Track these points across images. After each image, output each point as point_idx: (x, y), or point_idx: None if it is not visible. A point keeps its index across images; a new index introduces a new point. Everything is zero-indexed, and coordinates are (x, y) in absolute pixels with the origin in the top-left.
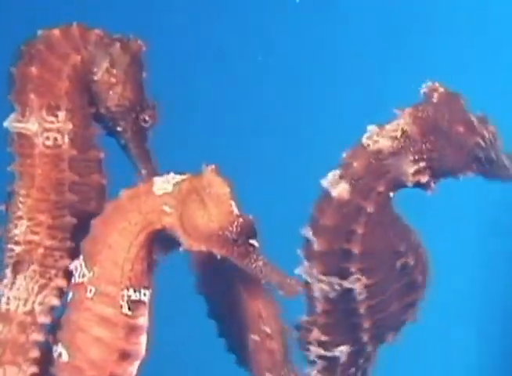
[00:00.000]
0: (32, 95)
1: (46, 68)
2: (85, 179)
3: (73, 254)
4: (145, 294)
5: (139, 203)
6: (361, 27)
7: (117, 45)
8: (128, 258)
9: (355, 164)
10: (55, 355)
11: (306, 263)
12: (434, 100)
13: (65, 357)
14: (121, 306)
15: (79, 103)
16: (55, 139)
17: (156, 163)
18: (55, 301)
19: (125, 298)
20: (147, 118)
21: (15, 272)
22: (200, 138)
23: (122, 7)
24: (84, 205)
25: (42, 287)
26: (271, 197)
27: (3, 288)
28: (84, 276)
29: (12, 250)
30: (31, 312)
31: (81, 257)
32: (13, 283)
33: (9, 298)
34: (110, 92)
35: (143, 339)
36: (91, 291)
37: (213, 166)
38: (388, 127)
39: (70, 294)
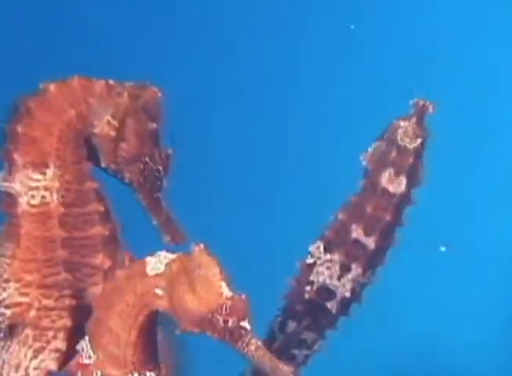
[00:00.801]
0: (16, 154)
1: (35, 125)
2: (86, 233)
3: (76, 312)
4: None
5: (135, 284)
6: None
7: (125, 94)
8: (130, 342)
9: None
10: None
11: None
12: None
13: None
14: None
15: (72, 159)
16: (43, 196)
17: (170, 212)
18: (53, 366)
19: None
20: (158, 168)
21: (10, 336)
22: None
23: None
24: (90, 259)
25: (38, 352)
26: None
27: (0, 350)
28: (90, 357)
29: (3, 314)
30: None
31: (87, 338)
32: (7, 346)
33: (3, 362)
34: (111, 146)
35: None
36: (97, 374)
37: (202, 245)
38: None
39: (79, 374)
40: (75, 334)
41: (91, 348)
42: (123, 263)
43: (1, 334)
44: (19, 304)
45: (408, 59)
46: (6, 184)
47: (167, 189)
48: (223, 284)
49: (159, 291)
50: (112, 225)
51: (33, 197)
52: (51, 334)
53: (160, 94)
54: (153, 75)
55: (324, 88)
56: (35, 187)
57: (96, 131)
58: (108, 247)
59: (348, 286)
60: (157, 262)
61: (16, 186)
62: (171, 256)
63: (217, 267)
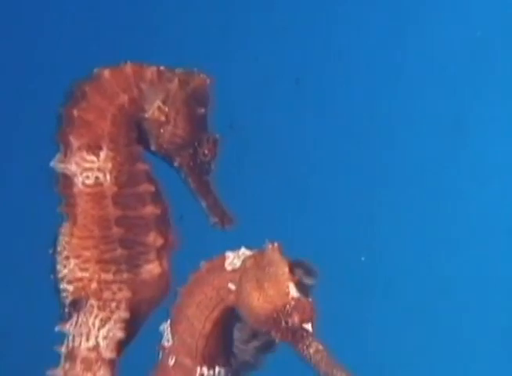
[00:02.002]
0: (71, 137)
1: (89, 109)
2: (138, 212)
3: (134, 286)
4: (219, 373)
5: (214, 277)
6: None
7: (176, 80)
8: (203, 334)
9: None
10: None
11: None
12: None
13: None
14: None
15: (124, 142)
16: (97, 177)
17: (218, 196)
18: (120, 334)
19: (198, 375)
20: (206, 152)
21: (74, 310)
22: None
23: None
24: (142, 237)
25: (104, 321)
26: None
27: (68, 327)
28: (168, 341)
29: (66, 289)
30: (96, 348)
31: (168, 321)
32: (75, 321)
33: (73, 336)
34: (161, 130)
35: None
36: (172, 358)
37: (276, 244)
38: None
39: (160, 353)
40: (137, 307)
41: (171, 332)
42: (174, 243)
43: (66, 310)
44: (80, 279)
45: None
46: (62, 165)
47: (214, 173)
48: (291, 285)
49: (232, 286)
50: (163, 205)
51: (87, 177)
52: (114, 304)
53: (208, 80)
54: (206, 62)
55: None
56: (89, 168)
57: (147, 115)
58: (160, 226)
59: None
60: (235, 258)
61: (71, 168)
62: (249, 253)
63: (286, 267)
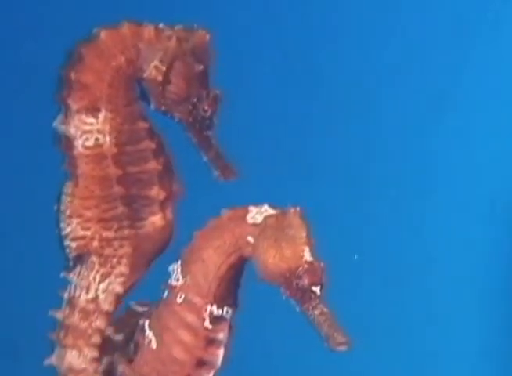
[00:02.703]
0: (70, 100)
1: (86, 71)
2: (141, 168)
3: (136, 240)
4: (227, 312)
5: (234, 226)
6: None
7: (174, 38)
8: (217, 276)
9: None
10: (147, 340)
11: None
12: None
13: (154, 345)
14: (204, 319)
15: (123, 102)
16: (97, 139)
17: (220, 149)
18: (119, 289)
19: (208, 313)
20: (206, 108)
21: (78, 263)
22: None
23: None
24: (146, 191)
25: (105, 276)
26: None
27: (71, 276)
28: (178, 280)
29: (69, 246)
30: (94, 300)
31: (179, 262)
32: (78, 272)
33: (75, 286)
34: (159, 89)
35: (220, 352)
36: (181, 296)
37: (298, 208)
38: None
39: (166, 292)
40: (137, 261)
41: (181, 272)
42: (178, 193)
43: (71, 263)
44: (83, 237)
45: None
46: (63, 127)
47: (217, 128)
48: (306, 248)
49: (251, 239)
50: (165, 158)
51: (87, 139)
52: (115, 260)
53: (208, 36)
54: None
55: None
56: (89, 130)
57: (145, 75)
58: (163, 179)
59: None
60: (258, 213)
61: (71, 130)
62: (271, 211)
63: (305, 232)
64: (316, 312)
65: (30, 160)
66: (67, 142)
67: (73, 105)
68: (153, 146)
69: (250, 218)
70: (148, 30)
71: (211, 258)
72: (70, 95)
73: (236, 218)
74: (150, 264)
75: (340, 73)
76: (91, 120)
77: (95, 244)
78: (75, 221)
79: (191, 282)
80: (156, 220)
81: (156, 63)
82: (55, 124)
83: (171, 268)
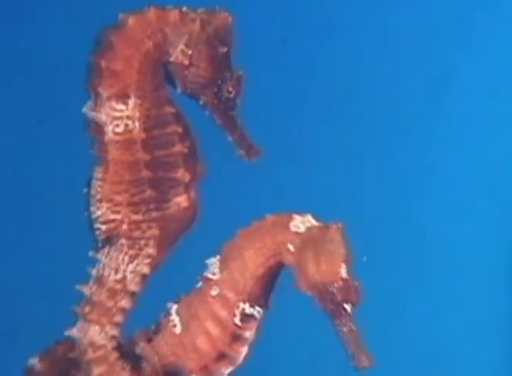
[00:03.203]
0: (100, 88)
1: (116, 58)
2: (168, 151)
3: (162, 222)
4: (258, 312)
5: (276, 232)
6: None
7: (198, 21)
8: (254, 276)
9: None
10: (171, 323)
11: None
12: None
13: (178, 330)
14: (234, 315)
15: (151, 87)
16: (126, 125)
17: (244, 130)
18: (146, 270)
19: (240, 310)
20: (230, 89)
21: (107, 244)
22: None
23: None
24: (172, 173)
25: (133, 257)
26: None
27: (100, 256)
28: (214, 274)
29: (99, 228)
30: (122, 281)
31: (218, 256)
32: (107, 252)
33: (104, 265)
34: (185, 73)
35: (244, 350)
36: (215, 289)
37: (341, 224)
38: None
39: (200, 283)
40: (163, 242)
41: (220, 266)
42: (202, 173)
43: (100, 244)
44: (112, 220)
45: None
46: (93, 113)
47: (240, 108)
48: (343, 265)
49: (291, 247)
50: (190, 141)
51: (117, 126)
52: (142, 242)
53: (230, 19)
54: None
55: None
56: (119, 117)
57: (172, 59)
58: (188, 161)
59: None
60: (301, 222)
61: (102, 117)
62: (315, 222)
63: (344, 249)
64: (345, 329)
65: (62, 145)
66: (97, 128)
67: (104, 92)
68: (180, 129)
69: (293, 226)
70: (173, 14)
71: (251, 258)
72: (100, 82)
73: (279, 223)
74: (175, 244)
75: (341, 65)
76: (122, 106)
77: (125, 227)
78: (105, 205)
79: (228, 277)
80: (181, 201)
81: (182, 46)
82: (84, 110)
83: (209, 261)
